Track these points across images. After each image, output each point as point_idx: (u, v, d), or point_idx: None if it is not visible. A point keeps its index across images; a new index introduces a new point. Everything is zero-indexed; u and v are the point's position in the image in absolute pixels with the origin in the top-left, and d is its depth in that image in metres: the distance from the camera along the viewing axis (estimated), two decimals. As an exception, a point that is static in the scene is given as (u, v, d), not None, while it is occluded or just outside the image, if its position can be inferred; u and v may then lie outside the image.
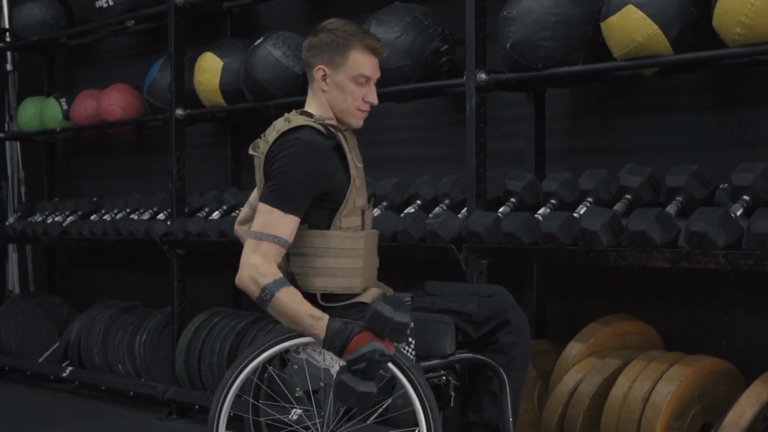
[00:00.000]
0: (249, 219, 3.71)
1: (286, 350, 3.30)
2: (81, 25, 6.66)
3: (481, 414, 3.47)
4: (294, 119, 3.30)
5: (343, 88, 3.34)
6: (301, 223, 3.23)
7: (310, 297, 3.29)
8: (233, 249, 3.63)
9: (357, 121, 3.40)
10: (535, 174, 4.48)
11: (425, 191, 4.61)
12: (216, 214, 5.49)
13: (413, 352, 3.30)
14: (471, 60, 4.27)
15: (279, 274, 3.13)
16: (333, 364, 3.25)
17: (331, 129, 3.32)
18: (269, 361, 3.32)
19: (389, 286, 3.56)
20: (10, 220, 7.07)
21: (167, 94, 5.74)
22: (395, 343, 3.08)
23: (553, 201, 4.14)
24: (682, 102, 4.31)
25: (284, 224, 3.16)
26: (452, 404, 3.46)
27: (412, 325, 3.14)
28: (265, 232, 3.15)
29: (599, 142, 4.57)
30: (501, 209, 4.24)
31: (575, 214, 3.94)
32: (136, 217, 6.01)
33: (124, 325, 6.09)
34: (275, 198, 3.18)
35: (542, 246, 3.95)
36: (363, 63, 3.34)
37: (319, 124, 3.28)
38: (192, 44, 5.87)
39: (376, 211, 4.61)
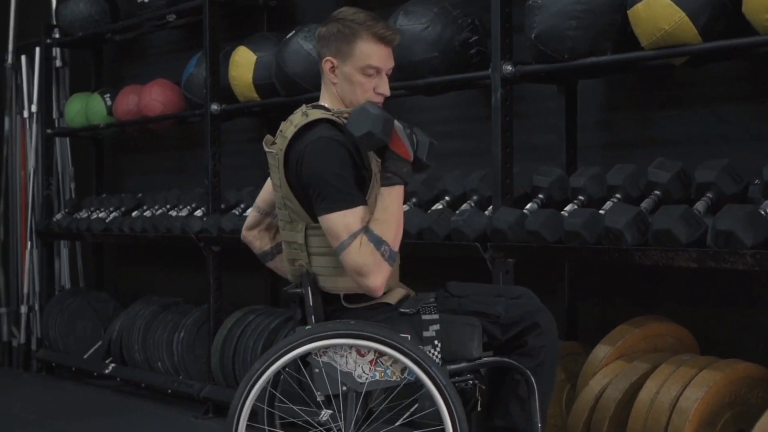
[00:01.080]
0: (257, 224, 3.62)
1: (308, 353, 3.18)
2: (124, 21, 6.63)
3: (509, 419, 3.32)
4: (311, 113, 3.20)
5: (351, 80, 3.22)
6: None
7: (333, 298, 3.21)
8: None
9: None
10: (567, 169, 4.31)
11: (454, 187, 4.48)
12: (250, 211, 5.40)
13: (439, 355, 3.18)
14: (497, 51, 4.12)
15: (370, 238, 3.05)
16: (355, 367, 3.15)
17: None
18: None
19: (413, 286, 3.45)
20: (58, 216, 7.07)
21: (203, 89, 5.67)
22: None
23: (581, 197, 3.98)
24: (719, 93, 4.10)
25: (358, 216, 3.05)
26: (479, 408, 3.33)
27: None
28: (350, 235, 3.03)
29: (634, 135, 4.38)
30: (528, 206, 4.09)
31: (602, 211, 3.78)
32: (175, 214, 5.96)
33: (164, 322, 6.05)
34: (334, 203, 3.05)
35: (566, 244, 3.79)
36: (371, 53, 3.21)
37: (336, 117, 3.18)
38: (230, 39, 5.82)
39: (406, 207, 4.50)
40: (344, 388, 3.14)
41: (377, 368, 3.13)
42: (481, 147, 4.82)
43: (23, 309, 7.27)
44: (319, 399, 3.20)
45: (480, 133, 4.83)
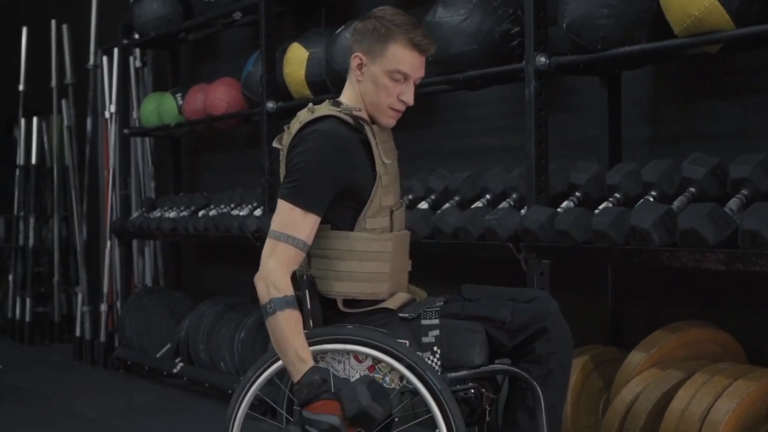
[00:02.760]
0: None
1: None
2: (191, 20, 6.63)
3: (515, 430, 3.15)
4: (318, 109, 3.10)
5: (376, 82, 3.09)
6: (323, 222, 3.03)
7: (330, 301, 3.10)
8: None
9: (387, 120, 3.14)
10: (610, 165, 4.09)
11: (494, 185, 4.31)
12: (305, 210, 5.32)
13: (439, 363, 3.03)
14: (530, 42, 3.95)
15: (290, 290, 2.94)
16: (354, 374, 3.04)
17: (360, 121, 3.08)
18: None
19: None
20: (134, 215, 7.12)
21: (260, 87, 5.61)
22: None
23: (617, 195, 3.75)
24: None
25: (304, 224, 2.97)
26: (488, 419, 3.17)
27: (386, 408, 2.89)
28: (283, 232, 2.97)
29: (682, 128, 4.12)
30: (563, 204, 3.89)
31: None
32: (237, 213, 5.91)
33: (228, 322, 6.01)
34: (296, 195, 2.98)
35: (595, 245, 3.59)
36: (402, 58, 3.06)
37: (345, 114, 3.06)
38: (293, 36, 5.73)
39: (423, 204, 4.37)
40: None
41: (375, 375, 3.03)
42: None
43: (103, 307, 7.34)
44: None
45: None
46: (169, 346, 6.54)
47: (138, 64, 7.48)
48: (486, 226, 3.99)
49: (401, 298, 3.16)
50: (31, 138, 8.71)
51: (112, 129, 7.35)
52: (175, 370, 6.30)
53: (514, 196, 4.17)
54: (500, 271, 4.04)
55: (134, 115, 7.35)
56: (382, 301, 3.10)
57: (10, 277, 8.83)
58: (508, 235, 3.91)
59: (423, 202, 4.54)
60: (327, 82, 5.09)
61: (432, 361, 3.02)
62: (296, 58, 5.30)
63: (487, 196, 4.30)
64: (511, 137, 4.83)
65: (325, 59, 5.06)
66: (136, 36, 7.14)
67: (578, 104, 4.46)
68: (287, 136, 3.12)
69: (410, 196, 4.63)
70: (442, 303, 3.17)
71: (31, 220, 8.67)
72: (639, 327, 4.17)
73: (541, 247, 3.79)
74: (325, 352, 3.04)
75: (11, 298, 8.80)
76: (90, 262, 7.82)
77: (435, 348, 3.03)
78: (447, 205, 4.40)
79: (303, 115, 3.10)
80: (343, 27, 4.99)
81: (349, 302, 3.09)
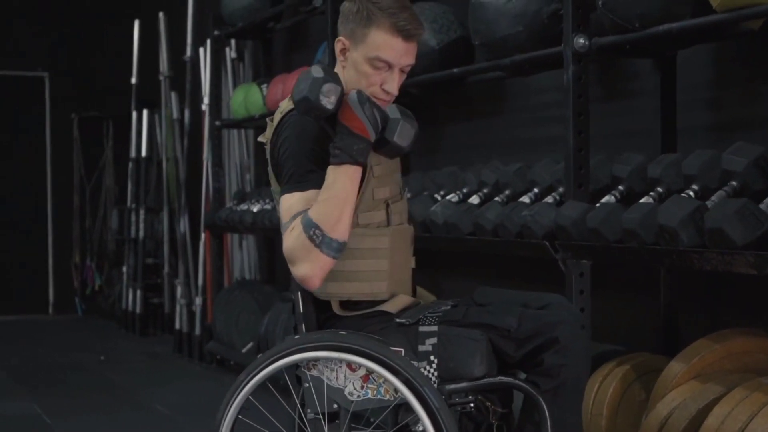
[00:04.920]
0: None
1: (297, 365, 2.87)
2: (273, 8, 6.49)
3: None
4: None
5: (357, 69, 2.84)
6: None
7: (324, 304, 2.88)
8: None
9: None
10: (664, 156, 3.74)
11: (542, 178, 3.99)
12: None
13: (436, 373, 2.77)
14: (568, 23, 3.63)
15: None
16: (346, 383, 2.81)
17: None
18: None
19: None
20: (226, 208, 7.04)
21: (327, 76, 5.42)
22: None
23: (659, 189, 3.40)
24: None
25: (307, 200, 2.73)
26: None
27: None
28: (290, 217, 2.74)
29: (746, 115, 3.71)
30: (603, 199, 3.56)
31: (668, 206, 3.21)
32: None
33: (303, 318, 5.85)
34: (292, 184, 2.76)
35: (625, 244, 3.26)
36: (383, 44, 2.79)
37: None
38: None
39: (475, 199, 4.09)
40: (335, 406, 2.81)
41: (369, 385, 2.79)
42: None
43: (198, 301, 7.30)
44: (309, 417, 2.88)
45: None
46: (252, 344, 6.42)
47: (233, 55, 7.40)
48: (522, 222, 3.70)
49: (402, 300, 2.90)
50: (141, 130, 8.77)
51: (206, 121, 7.28)
52: (255, 367, 6.17)
53: (560, 189, 3.86)
54: (540, 270, 3.75)
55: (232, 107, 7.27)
56: (382, 302, 2.87)
57: (124, 269, 8.93)
58: (543, 232, 3.62)
59: (474, 196, 4.26)
60: (385, 70, 4.86)
61: (428, 371, 2.77)
62: (358, 46, 5.09)
63: (535, 190, 3.99)
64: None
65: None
66: (230, 28, 7.05)
67: (634, 91, 4.10)
68: (270, 128, 2.92)
69: (465, 189, 4.36)
70: (447, 308, 2.91)
71: (142, 212, 8.74)
72: (696, 334, 3.78)
73: (575, 245, 3.48)
74: (317, 359, 2.82)
75: (125, 289, 8.90)
76: (193, 255, 7.79)
77: (432, 357, 2.77)
78: (496, 199, 4.11)
79: (284, 105, 2.90)
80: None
81: (346, 304, 2.87)
